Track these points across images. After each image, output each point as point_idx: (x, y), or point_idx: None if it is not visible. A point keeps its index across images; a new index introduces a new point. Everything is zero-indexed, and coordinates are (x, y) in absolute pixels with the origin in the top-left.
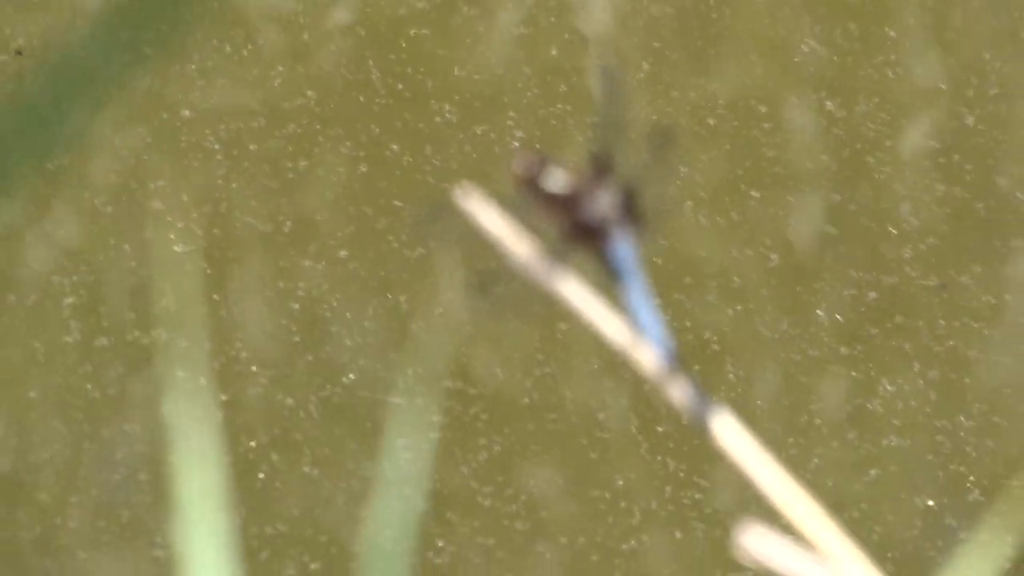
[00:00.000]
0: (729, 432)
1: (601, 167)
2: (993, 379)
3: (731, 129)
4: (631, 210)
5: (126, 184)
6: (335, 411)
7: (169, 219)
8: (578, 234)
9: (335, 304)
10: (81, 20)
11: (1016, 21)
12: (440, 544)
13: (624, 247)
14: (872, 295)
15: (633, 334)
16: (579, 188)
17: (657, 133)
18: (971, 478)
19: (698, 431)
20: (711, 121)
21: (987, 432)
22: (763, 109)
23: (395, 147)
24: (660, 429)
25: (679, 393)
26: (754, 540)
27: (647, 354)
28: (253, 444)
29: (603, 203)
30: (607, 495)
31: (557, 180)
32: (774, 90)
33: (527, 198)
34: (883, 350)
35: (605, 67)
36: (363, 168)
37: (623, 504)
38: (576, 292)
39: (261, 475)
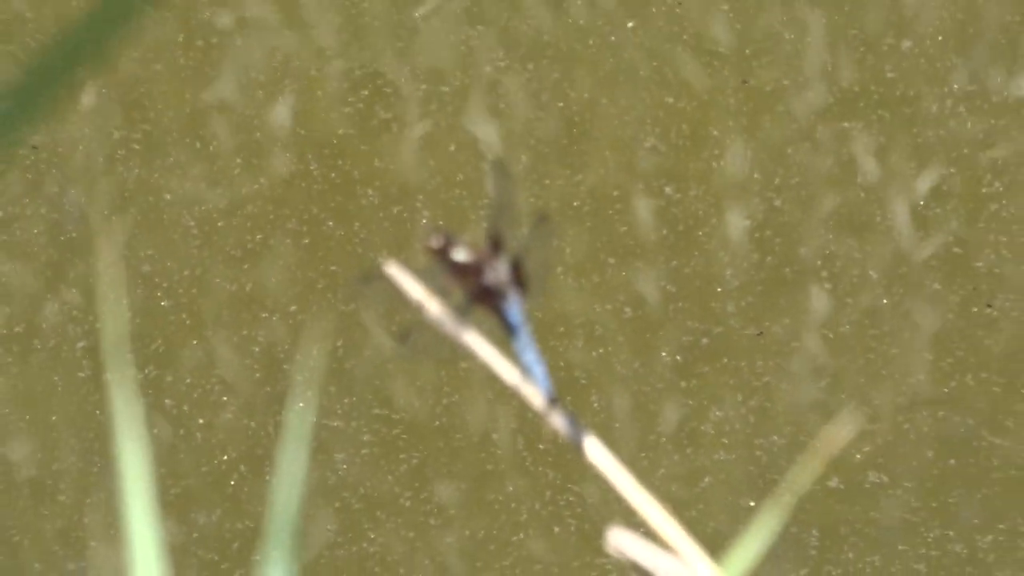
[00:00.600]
0: (594, 448)
1: (494, 242)
2: (798, 406)
3: (592, 210)
4: (518, 276)
5: (122, 253)
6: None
7: (156, 280)
8: (477, 295)
9: (287, 348)
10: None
11: (812, 123)
12: (372, 536)
13: (513, 305)
14: (704, 341)
15: (520, 373)
16: (477, 259)
17: (537, 216)
18: (783, 483)
19: (571, 448)
20: (576, 204)
21: (795, 448)
22: (616, 194)
23: (330, 223)
24: (541, 447)
25: (556, 419)
26: (619, 539)
27: (531, 388)
28: (225, 458)
29: (496, 271)
30: (500, 498)
31: (460, 253)
32: (625, 179)
33: (437, 266)
34: (713, 384)
35: (495, 162)
36: (306, 241)
37: (512, 505)
38: (476, 340)
39: (232, 482)
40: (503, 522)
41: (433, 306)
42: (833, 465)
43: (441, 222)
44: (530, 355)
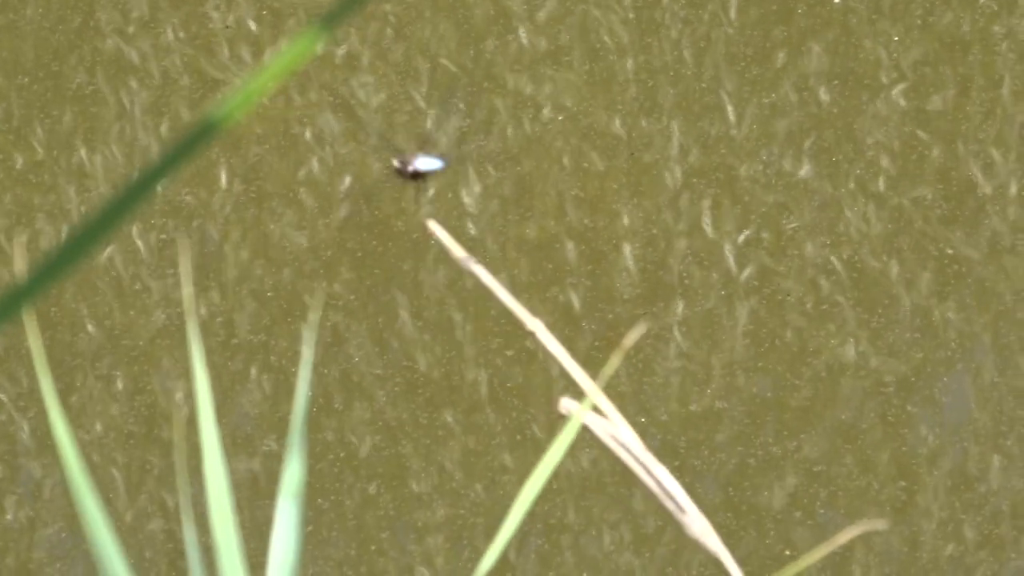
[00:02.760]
0: (550, 339)
1: (423, 140)
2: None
3: (536, 243)
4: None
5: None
6: (275, 460)
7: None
8: (411, 175)
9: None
10: None
11: (679, 189)
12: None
13: (428, 163)
14: (606, 332)
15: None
16: (406, 157)
17: (446, 89)
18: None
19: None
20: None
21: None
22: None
23: None
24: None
25: (532, 326)
26: (566, 402)
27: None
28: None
29: (415, 160)
30: (478, 391)
31: (398, 158)
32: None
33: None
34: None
35: (444, 81)
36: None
37: (482, 393)
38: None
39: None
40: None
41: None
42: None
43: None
44: (436, 162)
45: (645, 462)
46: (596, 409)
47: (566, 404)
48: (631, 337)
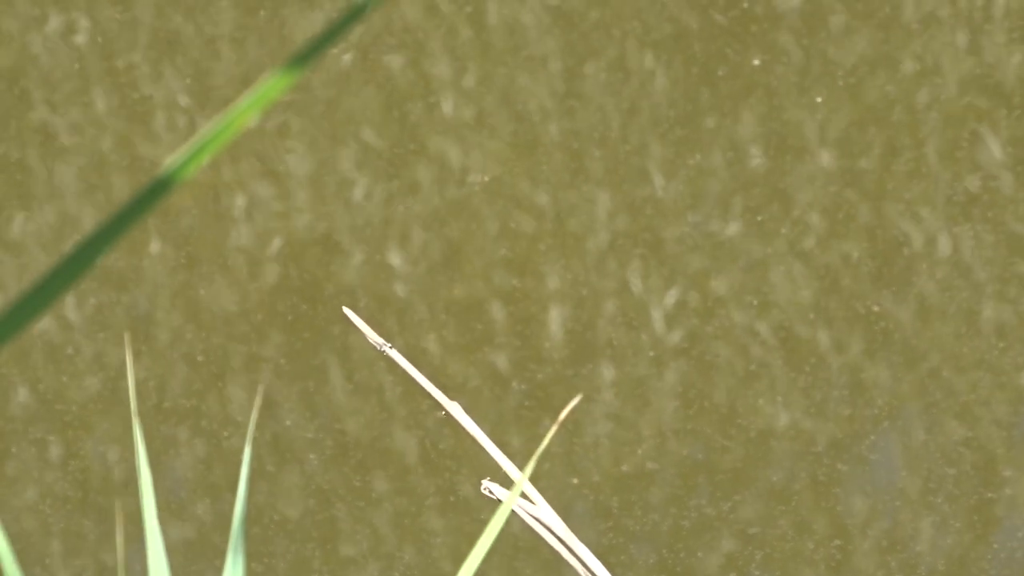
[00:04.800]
0: (467, 420)
1: None
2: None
3: (463, 307)
4: None
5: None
6: None
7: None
8: None
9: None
10: None
11: (603, 256)
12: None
13: None
14: (533, 393)
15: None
16: None
17: None
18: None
19: (450, 423)
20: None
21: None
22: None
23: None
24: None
25: (441, 401)
26: (489, 485)
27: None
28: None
29: None
30: (407, 456)
31: None
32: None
33: None
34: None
35: None
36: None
37: (412, 458)
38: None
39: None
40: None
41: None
42: None
43: None
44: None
45: (570, 544)
46: (522, 493)
47: (488, 487)
48: (566, 408)
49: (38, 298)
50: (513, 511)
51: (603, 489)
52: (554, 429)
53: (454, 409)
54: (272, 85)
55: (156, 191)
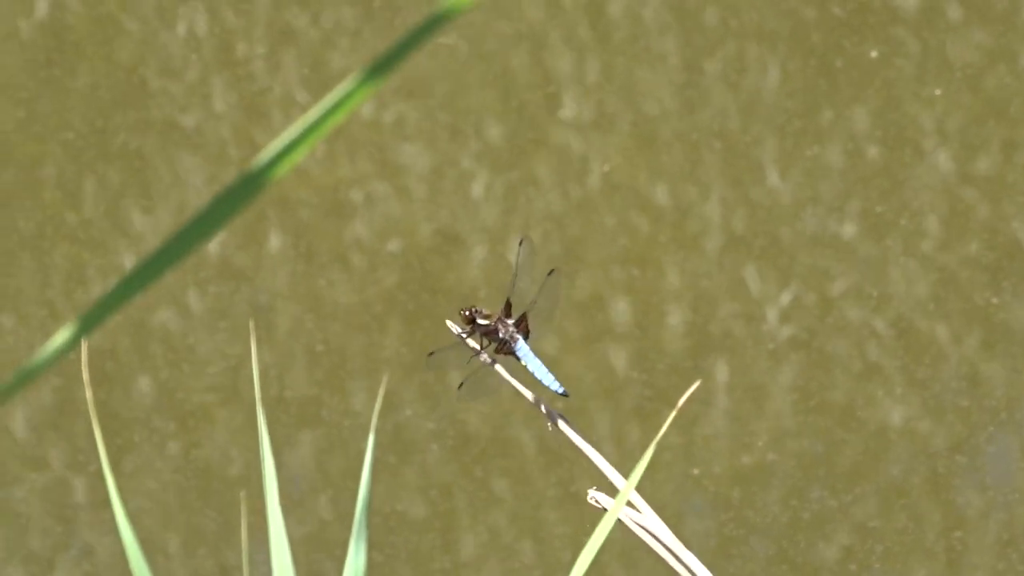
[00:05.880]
0: (573, 434)
1: (508, 305)
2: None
3: (583, 304)
4: (524, 328)
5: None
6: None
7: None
8: (498, 346)
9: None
10: None
11: (719, 257)
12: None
13: (521, 348)
14: (650, 390)
15: (535, 389)
16: (494, 321)
17: (547, 272)
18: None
19: (559, 431)
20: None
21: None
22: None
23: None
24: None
25: (548, 411)
26: (596, 495)
27: (534, 395)
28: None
29: (507, 328)
30: (535, 473)
31: (482, 319)
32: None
33: (471, 328)
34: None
35: (524, 238)
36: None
37: (529, 456)
38: (503, 370)
39: None
40: (525, 471)
41: (476, 356)
42: None
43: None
44: (540, 372)
45: (678, 553)
46: (629, 503)
47: (595, 496)
48: (684, 395)
49: (147, 271)
50: (621, 520)
51: (724, 481)
52: (672, 416)
53: (561, 423)
54: (352, 96)
55: (261, 174)
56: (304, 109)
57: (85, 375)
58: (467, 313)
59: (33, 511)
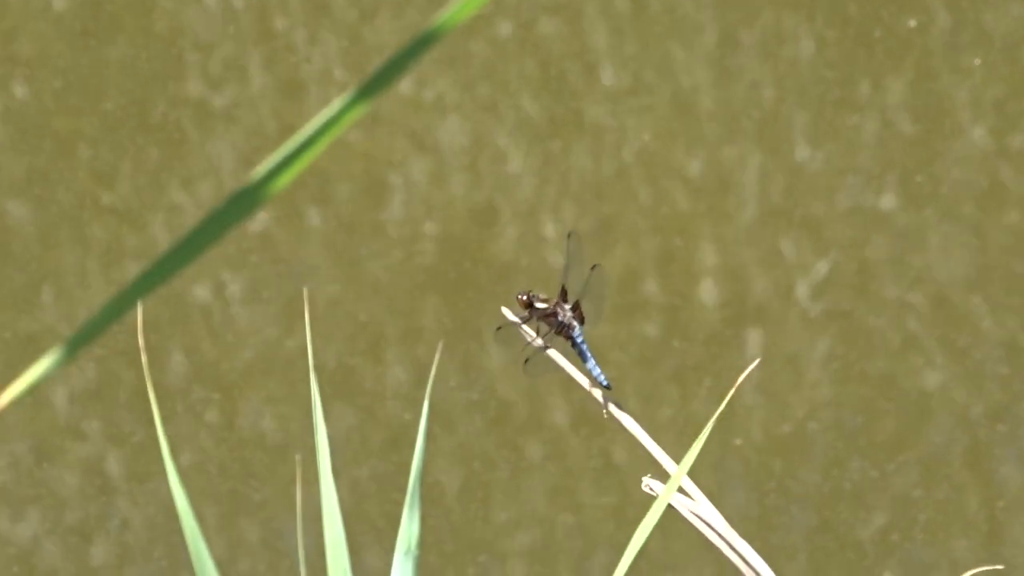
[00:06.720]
0: (627, 418)
1: (564, 292)
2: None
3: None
4: (579, 314)
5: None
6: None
7: None
8: (556, 330)
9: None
10: None
11: (754, 229)
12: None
13: (577, 334)
14: (687, 356)
15: (584, 372)
16: (552, 306)
17: (592, 266)
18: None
19: (611, 418)
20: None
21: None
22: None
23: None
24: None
25: (605, 400)
26: (650, 482)
27: (589, 379)
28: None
29: (564, 312)
30: (572, 444)
31: (539, 303)
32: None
33: (528, 313)
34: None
35: (571, 233)
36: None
37: (576, 446)
38: (557, 356)
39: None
40: (573, 459)
41: (535, 339)
42: None
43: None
44: (591, 362)
45: (731, 541)
46: (681, 489)
47: (649, 484)
48: (745, 371)
49: (183, 252)
50: (674, 507)
51: (765, 450)
52: (732, 391)
53: (617, 412)
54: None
55: (296, 155)
56: (342, 87)
57: (141, 340)
58: (524, 298)
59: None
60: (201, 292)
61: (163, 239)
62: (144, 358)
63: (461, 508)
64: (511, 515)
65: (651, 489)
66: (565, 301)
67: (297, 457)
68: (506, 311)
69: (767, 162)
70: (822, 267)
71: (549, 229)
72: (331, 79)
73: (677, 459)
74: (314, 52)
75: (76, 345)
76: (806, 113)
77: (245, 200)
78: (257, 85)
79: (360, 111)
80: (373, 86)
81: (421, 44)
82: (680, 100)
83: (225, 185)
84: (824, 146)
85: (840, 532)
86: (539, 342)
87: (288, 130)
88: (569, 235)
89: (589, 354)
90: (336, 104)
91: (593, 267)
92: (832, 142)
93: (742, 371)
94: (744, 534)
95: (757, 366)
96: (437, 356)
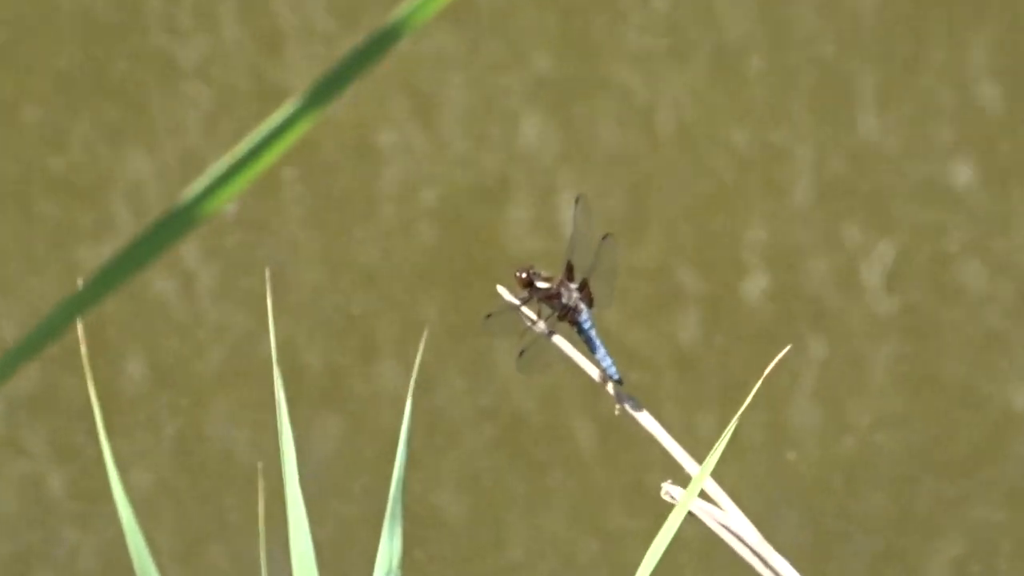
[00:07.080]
0: (647, 418)
1: (569, 269)
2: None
3: (651, 274)
4: (587, 295)
5: None
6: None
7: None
8: (560, 313)
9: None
10: None
11: (812, 207)
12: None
13: (584, 318)
14: (734, 363)
15: (593, 363)
16: (555, 285)
17: (602, 236)
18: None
19: (626, 414)
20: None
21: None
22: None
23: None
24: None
25: (616, 392)
26: (669, 488)
27: (600, 372)
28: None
29: (570, 293)
30: (584, 439)
31: (541, 282)
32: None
33: (528, 293)
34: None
35: (578, 198)
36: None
37: (589, 443)
38: (564, 344)
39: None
40: (588, 457)
41: (535, 324)
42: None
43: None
44: (600, 352)
45: (763, 555)
46: (703, 495)
47: (669, 491)
48: (771, 363)
49: (147, 246)
50: (698, 516)
51: (824, 467)
52: (757, 387)
53: (631, 409)
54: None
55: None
56: (327, 40)
57: (83, 348)
58: (524, 275)
59: None
60: (162, 283)
61: (122, 216)
62: (86, 364)
63: (468, 534)
64: (526, 542)
65: (671, 496)
66: (571, 279)
67: (259, 465)
68: (503, 291)
69: (825, 131)
70: (889, 253)
71: (569, 208)
72: (314, 31)
73: (718, 475)
74: None
75: (12, 363)
76: (871, 74)
77: (172, 226)
78: (230, 37)
79: (311, 120)
80: (324, 91)
81: (384, 41)
82: (723, 58)
83: (194, 153)
84: (892, 113)
85: (910, 562)
86: (541, 327)
87: (266, 91)
88: (577, 199)
89: (599, 342)
90: (280, 113)
91: (604, 237)
92: (901, 108)
93: (796, 374)
94: (797, 564)
95: (813, 368)
96: (420, 352)
